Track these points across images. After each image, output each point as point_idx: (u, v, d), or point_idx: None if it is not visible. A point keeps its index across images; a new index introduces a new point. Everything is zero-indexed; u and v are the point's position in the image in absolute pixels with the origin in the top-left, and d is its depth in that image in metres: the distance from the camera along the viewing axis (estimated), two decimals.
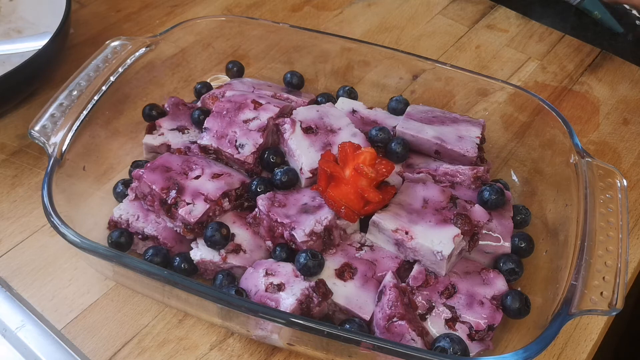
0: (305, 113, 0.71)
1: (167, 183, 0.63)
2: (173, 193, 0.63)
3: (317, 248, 0.61)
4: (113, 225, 0.66)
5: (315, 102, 0.79)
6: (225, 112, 0.70)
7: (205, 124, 0.70)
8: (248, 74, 0.87)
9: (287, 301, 0.56)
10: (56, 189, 0.60)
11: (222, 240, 0.61)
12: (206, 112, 0.73)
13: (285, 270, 0.59)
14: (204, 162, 0.67)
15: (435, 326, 0.58)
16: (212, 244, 0.61)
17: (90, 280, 0.65)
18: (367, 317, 0.58)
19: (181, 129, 0.75)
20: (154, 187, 0.63)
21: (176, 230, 0.64)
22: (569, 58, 0.95)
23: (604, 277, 0.54)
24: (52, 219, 0.57)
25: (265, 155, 0.68)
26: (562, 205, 0.66)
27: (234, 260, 0.62)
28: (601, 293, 0.53)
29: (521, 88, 0.76)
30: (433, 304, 0.59)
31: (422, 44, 0.97)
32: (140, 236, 0.65)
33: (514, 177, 0.76)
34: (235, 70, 0.85)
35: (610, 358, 0.93)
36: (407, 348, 0.51)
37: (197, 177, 0.65)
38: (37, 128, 0.64)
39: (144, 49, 0.74)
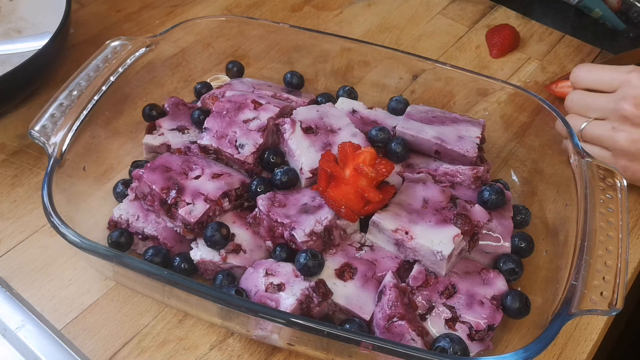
0: (305, 113, 0.71)
1: (167, 183, 0.63)
2: (173, 193, 0.63)
3: (317, 248, 0.61)
4: (113, 225, 0.66)
5: (315, 102, 0.79)
6: (225, 112, 0.70)
7: (205, 124, 0.70)
8: (248, 74, 0.87)
9: (287, 301, 0.56)
10: (56, 189, 0.60)
11: (222, 240, 0.61)
12: (206, 112, 0.73)
13: (285, 270, 0.59)
14: (204, 162, 0.67)
15: (435, 326, 0.58)
16: (212, 244, 0.61)
17: (90, 280, 0.65)
18: (367, 317, 0.58)
19: (181, 129, 0.75)
20: (154, 187, 0.63)
21: (176, 230, 0.64)
22: (569, 58, 0.95)
23: (604, 277, 0.54)
24: (52, 219, 0.57)
25: (265, 155, 0.68)
26: (562, 205, 0.66)
27: (234, 260, 0.62)
28: (601, 293, 0.53)
29: (521, 88, 0.75)
30: (433, 304, 0.59)
31: (422, 44, 0.97)
32: (140, 236, 0.65)
33: (514, 177, 0.76)
34: (235, 70, 0.85)
35: (610, 358, 0.93)
36: (407, 348, 0.50)
37: (197, 177, 0.65)
38: (37, 128, 0.64)
39: (144, 49, 0.74)
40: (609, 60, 0.89)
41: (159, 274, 0.54)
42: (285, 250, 0.62)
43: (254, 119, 0.70)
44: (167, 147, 0.73)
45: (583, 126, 0.72)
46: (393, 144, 0.70)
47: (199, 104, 0.79)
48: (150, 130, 0.74)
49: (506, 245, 0.63)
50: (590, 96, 0.73)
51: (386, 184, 0.65)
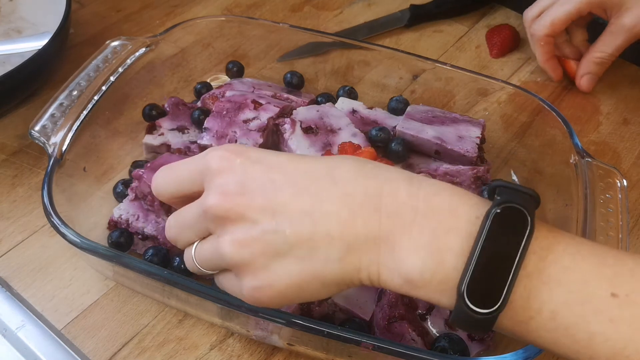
0: (305, 113, 0.71)
1: None
2: None
3: None
4: (113, 225, 0.66)
5: (315, 102, 0.79)
6: (225, 112, 0.70)
7: (205, 124, 0.70)
8: (248, 74, 0.87)
9: None
10: (56, 189, 0.60)
11: None
12: (206, 112, 0.73)
13: None
14: None
15: (435, 326, 0.58)
16: None
17: (90, 280, 0.65)
18: (367, 317, 0.58)
19: (181, 129, 0.75)
20: None
21: None
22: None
23: None
24: (52, 219, 0.57)
25: None
26: (562, 205, 0.66)
27: None
28: None
29: (521, 88, 0.75)
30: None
31: (422, 44, 0.97)
32: (140, 236, 0.65)
33: (514, 177, 0.76)
34: (235, 70, 0.85)
35: None
36: (407, 348, 0.50)
37: None
38: (37, 128, 0.64)
39: (144, 49, 0.74)
40: None
41: (159, 274, 0.54)
42: None
43: (254, 119, 0.70)
44: (167, 147, 0.73)
45: (192, 252, 0.49)
46: (393, 144, 0.70)
47: (199, 104, 0.79)
48: (150, 130, 0.74)
49: None
50: (181, 212, 0.48)
51: None
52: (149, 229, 0.65)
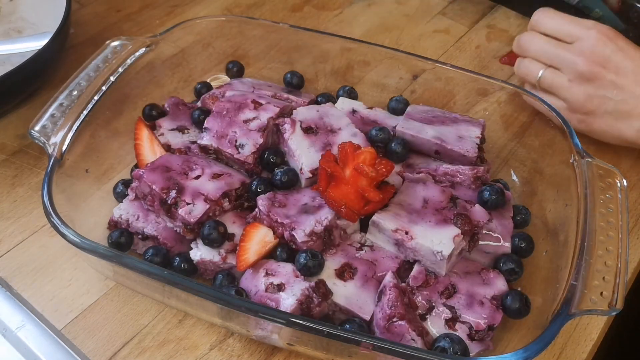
0: (305, 113, 0.71)
1: (167, 183, 0.63)
2: (173, 193, 0.63)
3: (317, 248, 0.61)
4: (113, 225, 0.66)
5: (315, 102, 0.79)
6: (225, 112, 0.70)
7: (205, 124, 0.70)
8: (248, 74, 0.87)
9: (287, 301, 0.56)
10: (56, 189, 0.60)
11: (219, 238, 0.61)
12: (206, 112, 0.73)
13: (285, 270, 0.59)
14: (204, 162, 0.67)
15: (435, 326, 0.58)
16: (209, 242, 0.61)
17: (90, 280, 0.65)
18: (367, 317, 0.58)
19: (181, 129, 0.75)
20: (154, 187, 0.63)
21: (176, 230, 0.64)
22: None
23: (603, 277, 0.54)
24: (52, 219, 0.57)
25: (265, 155, 0.68)
26: (562, 205, 0.66)
27: (233, 260, 0.62)
28: (601, 293, 0.53)
29: (521, 88, 0.76)
30: (433, 304, 0.59)
31: (422, 44, 0.97)
32: (140, 236, 0.65)
33: (514, 177, 0.76)
34: (235, 70, 0.85)
35: (610, 358, 0.93)
36: (407, 348, 0.51)
37: (197, 177, 0.65)
38: (37, 128, 0.64)
39: (144, 49, 0.74)
40: None
41: (159, 274, 0.54)
42: (286, 250, 0.62)
43: (254, 119, 0.70)
44: (167, 147, 0.73)
45: (540, 74, 0.76)
46: (393, 144, 0.70)
47: (199, 104, 0.79)
48: (151, 130, 0.74)
49: (506, 245, 0.63)
50: (549, 43, 0.76)
51: (386, 184, 0.65)
52: (149, 229, 0.65)
